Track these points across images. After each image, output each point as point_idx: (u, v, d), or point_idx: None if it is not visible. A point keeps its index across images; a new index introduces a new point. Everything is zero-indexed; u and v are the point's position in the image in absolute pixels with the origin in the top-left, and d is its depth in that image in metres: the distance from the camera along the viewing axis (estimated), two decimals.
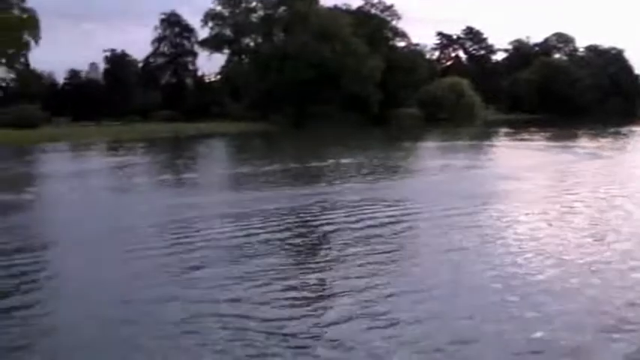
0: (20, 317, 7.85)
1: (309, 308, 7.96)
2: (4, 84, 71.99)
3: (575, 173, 23.54)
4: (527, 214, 14.56)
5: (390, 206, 15.74)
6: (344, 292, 8.55)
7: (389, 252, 10.92)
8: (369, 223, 13.51)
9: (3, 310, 8.10)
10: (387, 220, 13.85)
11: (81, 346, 6.99)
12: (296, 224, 13.76)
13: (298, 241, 12.09)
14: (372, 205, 15.84)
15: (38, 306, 8.30)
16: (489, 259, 10.24)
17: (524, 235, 12.12)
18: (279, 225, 13.49)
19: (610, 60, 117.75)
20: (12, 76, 71.23)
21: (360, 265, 9.93)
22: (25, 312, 8.03)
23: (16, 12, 67.07)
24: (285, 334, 7.01)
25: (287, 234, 12.60)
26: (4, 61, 68.67)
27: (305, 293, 8.63)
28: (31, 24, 66.76)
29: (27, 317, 7.85)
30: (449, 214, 14.31)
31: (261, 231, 12.76)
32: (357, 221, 13.65)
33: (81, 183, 24.41)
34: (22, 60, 70.02)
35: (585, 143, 41.25)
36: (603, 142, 42.47)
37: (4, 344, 7.00)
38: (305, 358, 6.50)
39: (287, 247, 11.49)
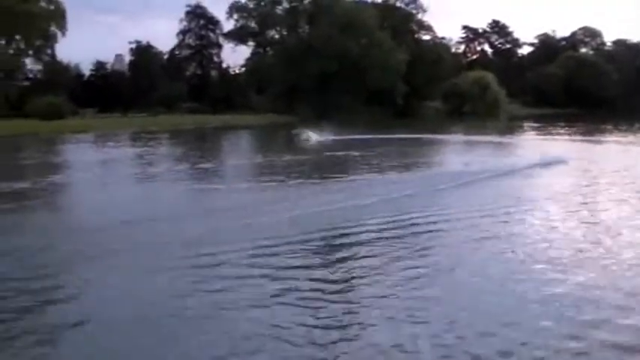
0: None
1: None
2: (31, 75, 72.88)
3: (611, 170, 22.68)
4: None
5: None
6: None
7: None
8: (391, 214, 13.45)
9: None
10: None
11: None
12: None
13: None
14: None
15: None
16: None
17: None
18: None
19: (638, 54, 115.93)
20: (39, 67, 72.13)
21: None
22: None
23: (43, 4, 67.75)
24: None
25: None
26: (31, 52, 69.55)
27: None
28: (57, 15, 67.41)
29: None
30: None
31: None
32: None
33: (105, 171, 24.78)
34: (49, 51, 70.83)
35: (617, 138, 40.23)
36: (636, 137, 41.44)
37: None
38: None
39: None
